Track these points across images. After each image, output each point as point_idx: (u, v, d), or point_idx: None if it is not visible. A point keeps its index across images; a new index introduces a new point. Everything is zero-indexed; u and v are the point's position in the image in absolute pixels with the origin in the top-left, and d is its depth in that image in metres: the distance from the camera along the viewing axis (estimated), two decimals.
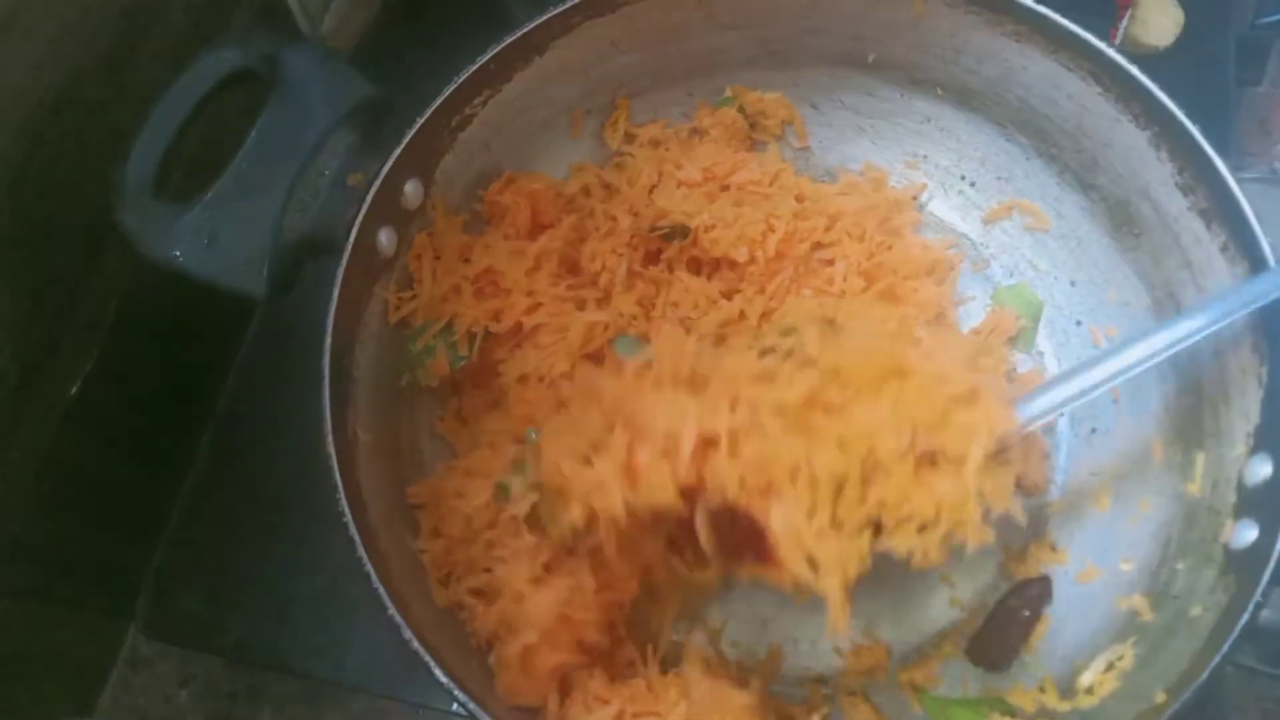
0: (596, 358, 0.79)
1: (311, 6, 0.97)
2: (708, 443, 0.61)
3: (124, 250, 0.71)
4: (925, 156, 0.88)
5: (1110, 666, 0.68)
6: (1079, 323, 0.84)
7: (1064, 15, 0.73)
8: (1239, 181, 0.68)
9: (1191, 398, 0.74)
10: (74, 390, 0.80)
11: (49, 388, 0.78)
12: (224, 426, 0.93)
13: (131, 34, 0.79)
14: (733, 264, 0.81)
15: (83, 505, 0.83)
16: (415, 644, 0.62)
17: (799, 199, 0.84)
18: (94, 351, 0.81)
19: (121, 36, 0.78)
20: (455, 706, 0.69)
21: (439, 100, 0.74)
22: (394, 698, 0.84)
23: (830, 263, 0.82)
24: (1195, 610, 0.66)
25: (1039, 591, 0.75)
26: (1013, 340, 0.85)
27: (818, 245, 0.82)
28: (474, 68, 0.74)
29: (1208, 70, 0.95)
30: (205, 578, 0.88)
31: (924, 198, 0.89)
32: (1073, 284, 0.84)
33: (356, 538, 0.64)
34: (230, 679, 0.87)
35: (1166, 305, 0.77)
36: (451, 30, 1.02)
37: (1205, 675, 0.61)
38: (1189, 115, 0.70)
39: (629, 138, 0.88)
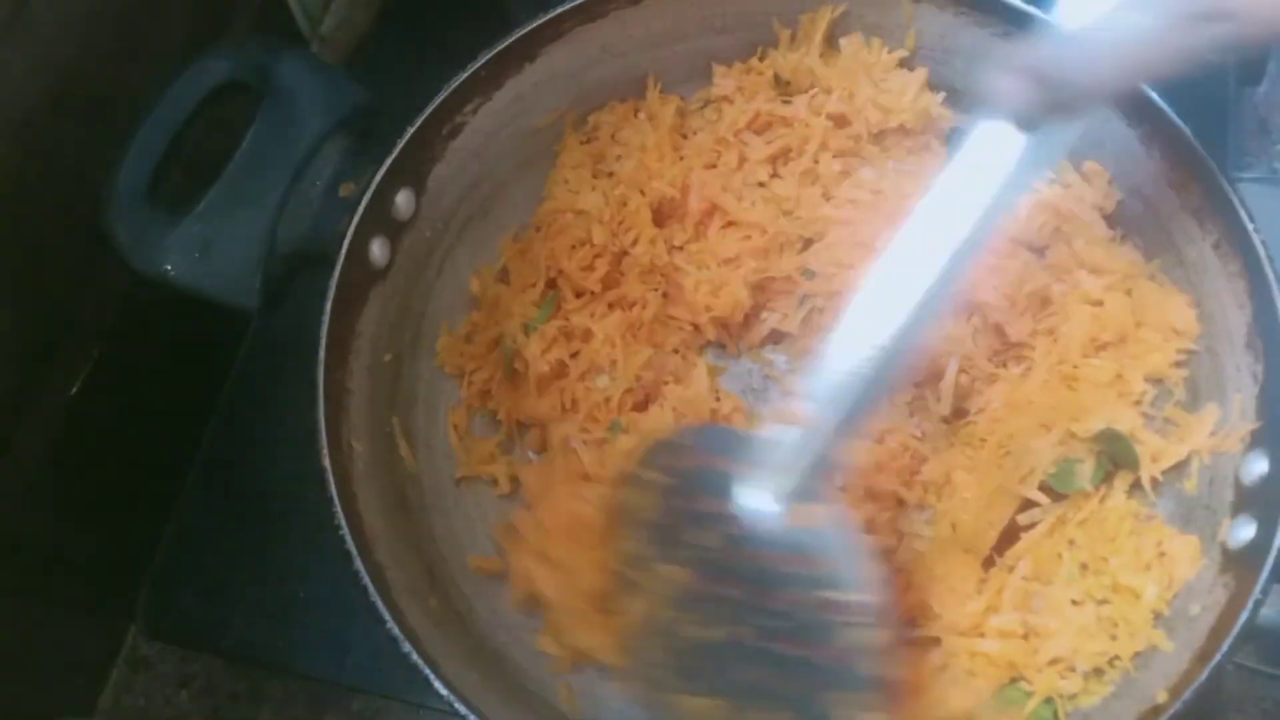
0: None
1: (312, 7, 0.97)
2: None
3: None
4: None
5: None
6: None
7: None
8: (1240, 182, 0.68)
9: (1187, 395, 0.74)
10: (74, 391, 0.80)
11: (48, 388, 0.78)
12: (224, 426, 0.93)
13: (131, 35, 0.78)
14: None
15: (83, 505, 0.83)
16: (415, 657, 0.63)
17: None
18: (94, 352, 0.81)
19: (121, 37, 0.77)
20: None
21: (429, 109, 0.73)
22: (394, 698, 0.84)
23: None
24: (1194, 609, 0.66)
25: None
26: None
27: None
28: (465, 75, 0.74)
29: (1207, 69, 0.94)
30: (205, 578, 0.88)
31: None
32: None
33: (353, 551, 0.64)
34: (230, 679, 0.87)
35: None
36: (453, 30, 1.00)
37: (1206, 674, 0.61)
38: (1185, 114, 0.70)
39: None
